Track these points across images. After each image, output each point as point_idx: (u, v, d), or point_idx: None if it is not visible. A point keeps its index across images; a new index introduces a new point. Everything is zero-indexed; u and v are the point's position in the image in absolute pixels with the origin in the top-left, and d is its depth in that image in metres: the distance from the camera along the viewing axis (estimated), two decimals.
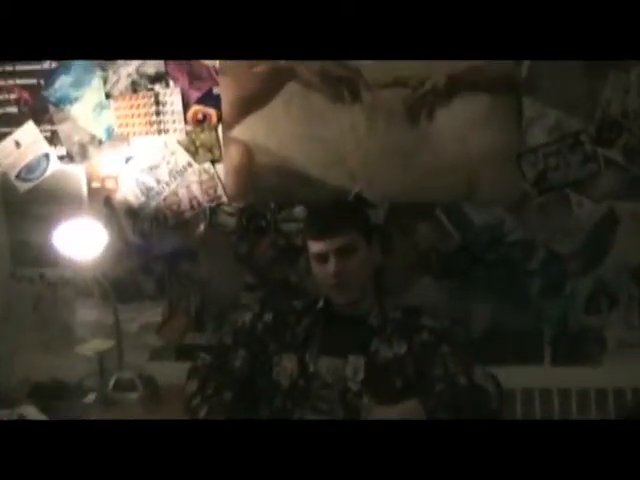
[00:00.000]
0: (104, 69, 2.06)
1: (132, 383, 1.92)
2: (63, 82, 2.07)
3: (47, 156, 2.11)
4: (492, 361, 1.67)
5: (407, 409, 1.45)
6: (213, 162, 2.06)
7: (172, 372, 1.90)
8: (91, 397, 1.98)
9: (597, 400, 2.01)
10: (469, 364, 1.58)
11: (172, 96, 2.05)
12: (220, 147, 2.05)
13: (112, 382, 1.93)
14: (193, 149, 2.06)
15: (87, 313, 2.14)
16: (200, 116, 2.05)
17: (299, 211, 2.03)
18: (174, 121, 2.05)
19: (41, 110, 2.11)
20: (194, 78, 2.03)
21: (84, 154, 2.10)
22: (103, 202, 2.11)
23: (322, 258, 1.63)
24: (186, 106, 2.06)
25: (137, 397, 1.91)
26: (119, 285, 2.09)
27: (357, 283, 1.67)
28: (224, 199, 2.07)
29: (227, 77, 2.02)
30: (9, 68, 2.09)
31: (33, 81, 2.10)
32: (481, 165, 1.97)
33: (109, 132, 2.09)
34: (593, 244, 1.99)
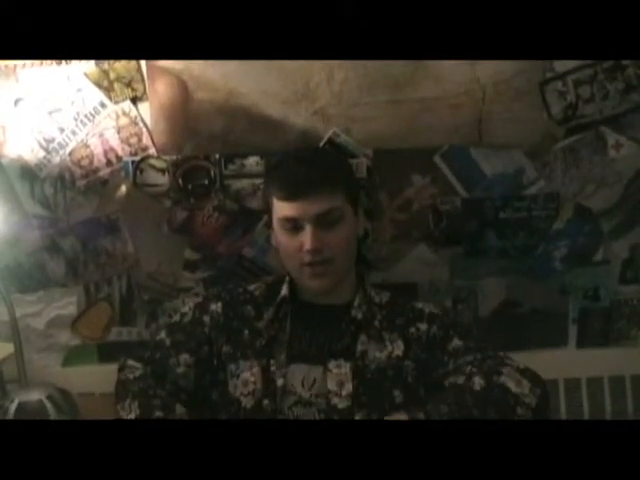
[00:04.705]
0: None
1: (40, 407, 1.67)
2: None
3: None
4: (503, 346, 1.53)
5: None
6: (135, 101, 1.84)
7: (95, 378, 1.80)
8: None
9: (635, 390, 1.90)
10: (497, 366, 1.38)
11: None
12: (143, 80, 1.82)
13: (13, 409, 1.67)
14: (107, 84, 1.83)
15: None
16: None
17: (252, 163, 1.82)
18: None
19: None
20: None
21: None
22: None
23: (293, 226, 1.43)
24: None
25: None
26: (17, 270, 1.86)
27: (340, 264, 1.45)
28: (152, 150, 1.85)
29: None
30: None
31: None
32: (493, 97, 1.80)
33: None
34: (633, 198, 1.86)
